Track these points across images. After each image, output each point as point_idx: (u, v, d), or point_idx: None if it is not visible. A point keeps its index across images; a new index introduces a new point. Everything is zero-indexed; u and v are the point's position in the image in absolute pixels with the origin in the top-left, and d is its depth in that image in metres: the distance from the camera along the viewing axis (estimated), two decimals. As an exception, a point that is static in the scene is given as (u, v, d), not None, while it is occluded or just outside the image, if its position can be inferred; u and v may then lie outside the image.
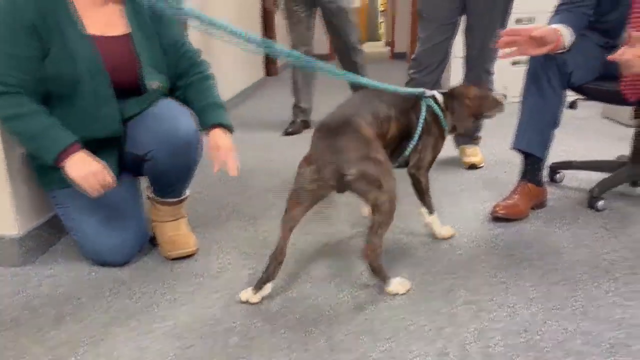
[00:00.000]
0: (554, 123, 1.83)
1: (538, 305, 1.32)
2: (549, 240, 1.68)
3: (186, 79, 1.62)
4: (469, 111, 1.64)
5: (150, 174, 1.55)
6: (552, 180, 2.24)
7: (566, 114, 1.93)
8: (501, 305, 1.32)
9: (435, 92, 1.62)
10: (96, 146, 1.49)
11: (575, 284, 1.41)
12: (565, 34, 1.70)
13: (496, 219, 1.83)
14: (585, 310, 1.29)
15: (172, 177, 1.55)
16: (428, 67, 2.39)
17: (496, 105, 1.68)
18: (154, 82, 1.53)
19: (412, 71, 2.45)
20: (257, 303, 1.36)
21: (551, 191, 2.10)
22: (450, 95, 1.64)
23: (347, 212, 1.96)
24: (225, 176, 2.45)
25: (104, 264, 1.57)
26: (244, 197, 2.16)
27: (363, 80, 1.44)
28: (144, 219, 1.64)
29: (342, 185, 1.30)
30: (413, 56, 2.46)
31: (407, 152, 1.58)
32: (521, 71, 1.96)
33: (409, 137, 1.56)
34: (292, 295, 1.40)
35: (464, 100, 1.63)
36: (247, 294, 1.37)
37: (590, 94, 1.88)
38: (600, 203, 1.90)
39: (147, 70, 1.52)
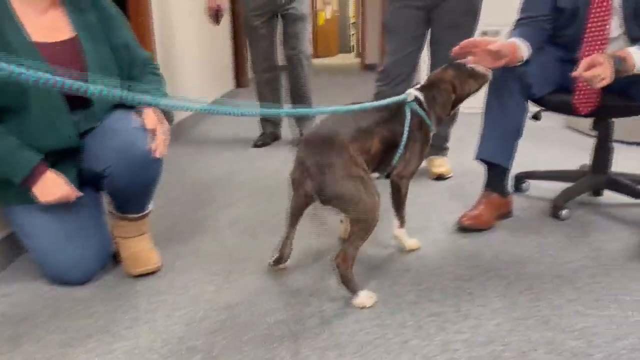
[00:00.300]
0: (517, 133, 1.86)
1: (503, 315, 1.32)
2: (514, 250, 1.70)
3: (137, 80, 1.59)
4: (447, 95, 1.61)
5: (110, 190, 1.52)
6: (518, 190, 2.28)
7: (531, 124, 1.97)
8: (467, 317, 1.32)
9: (415, 93, 1.60)
10: (54, 159, 1.45)
11: (540, 293, 1.43)
12: (522, 48, 1.74)
13: (462, 229, 1.84)
14: (549, 319, 1.30)
15: (132, 193, 1.51)
16: (396, 79, 2.42)
17: (479, 78, 1.67)
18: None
19: (380, 83, 2.47)
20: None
21: (517, 201, 2.13)
22: (429, 86, 1.63)
23: (317, 227, 1.94)
24: (192, 190, 2.41)
25: (63, 282, 1.52)
26: (210, 211, 2.13)
27: (332, 109, 1.37)
28: (106, 235, 1.60)
29: (323, 200, 1.36)
30: (381, 68, 2.48)
31: (394, 162, 1.57)
32: (485, 83, 1.98)
33: (395, 147, 1.56)
34: (258, 310, 1.38)
35: (441, 85, 1.62)
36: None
37: (548, 106, 1.92)
38: (564, 212, 1.94)
39: (94, 73, 1.49)
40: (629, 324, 1.27)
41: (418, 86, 1.65)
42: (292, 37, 3.15)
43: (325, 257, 1.68)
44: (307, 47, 3.22)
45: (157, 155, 1.47)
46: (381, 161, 1.54)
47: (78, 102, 1.47)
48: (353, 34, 14.13)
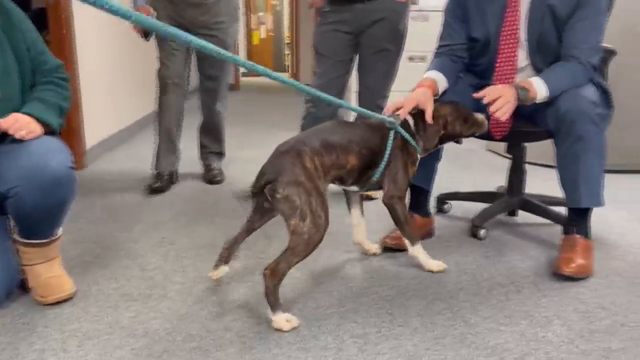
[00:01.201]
0: (437, 157, 1.94)
1: (421, 334, 1.36)
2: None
3: (37, 86, 1.53)
4: (436, 128, 1.69)
5: (14, 213, 1.42)
6: (440, 210, 2.36)
7: (454, 147, 2.05)
8: (387, 337, 1.34)
9: (407, 117, 1.67)
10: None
11: (457, 312, 1.48)
12: (440, 81, 1.86)
13: (385, 249, 1.88)
14: (464, 337, 1.35)
15: (38, 217, 1.42)
16: (324, 102, 2.45)
17: (474, 125, 1.76)
18: None
19: (308, 105, 2.50)
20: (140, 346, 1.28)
21: (438, 221, 2.20)
22: (421, 114, 1.69)
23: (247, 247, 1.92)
24: (110, 211, 2.32)
25: (-37, 312, 1.41)
26: (130, 234, 2.05)
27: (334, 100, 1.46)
28: (11, 261, 1.49)
29: (273, 202, 1.38)
30: (309, 90, 2.50)
31: (374, 179, 1.62)
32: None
33: (375, 165, 1.60)
34: (178, 337, 1.34)
35: (434, 116, 1.68)
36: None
37: (467, 131, 2.02)
38: (482, 232, 2.02)
39: None
40: (537, 340, 1.34)
41: (414, 111, 1.70)
42: (207, 68, 2.71)
43: (249, 279, 1.66)
44: (224, 90, 2.81)
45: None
46: (360, 176, 1.59)
47: None
48: (288, 54, 14.27)
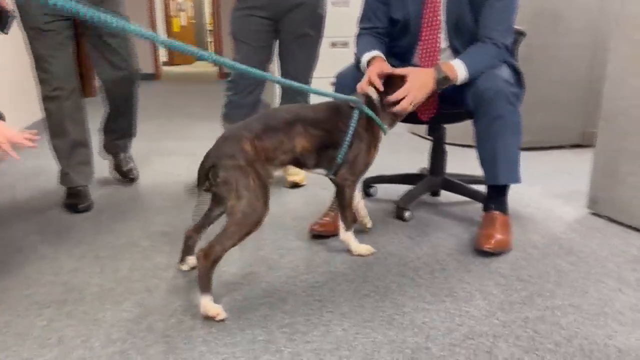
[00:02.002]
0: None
1: (350, 319, 1.36)
2: (362, 253, 1.76)
3: None
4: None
5: None
6: (367, 194, 2.39)
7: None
8: (316, 325, 1.33)
9: (369, 92, 1.65)
10: None
11: (385, 293, 1.49)
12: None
13: (314, 236, 1.87)
14: (392, 319, 1.36)
15: None
16: (245, 89, 2.39)
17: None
18: None
19: (229, 93, 2.43)
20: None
21: (366, 205, 2.22)
22: (385, 83, 1.67)
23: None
24: (24, 213, 2.16)
25: None
26: (43, 237, 1.91)
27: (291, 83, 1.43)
28: None
29: (216, 187, 1.37)
30: (229, 78, 2.44)
31: (338, 160, 1.60)
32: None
33: (336, 146, 1.58)
34: (95, 343, 1.25)
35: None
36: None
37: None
38: (407, 214, 2.06)
39: None
40: (461, 315, 1.38)
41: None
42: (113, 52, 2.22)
43: (172, 278, 1.60)
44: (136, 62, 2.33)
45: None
46: (320, 159, 1.58)
47: None
48: (211, 42, 13.92)
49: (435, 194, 2.38)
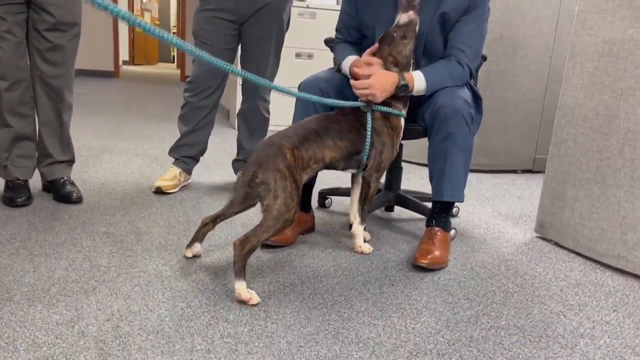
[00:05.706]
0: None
1: (295, 331, 1.32)
2: (312, 265, 1.73)
3: None
4: (404, 43, 1.72)
5: None
6: (322, 206, 2.36)
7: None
8: (260, 336, 1.29)
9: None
10: None
11: (332, 307, 1.46)
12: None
13: (265, 246, 1.83)
14: (338, 332, 1.33)
15: None
16: (205, 91, 2.35)
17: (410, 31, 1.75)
18: None
19: (188, 94, 2.38)
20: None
21: (320, 216, 2.20)
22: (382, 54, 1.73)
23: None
24: (-44, 203, 2.02)
25: None
26: (-24, 229, 1.80)
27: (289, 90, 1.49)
28: None
29: (253, 188, 1.48)
30: (189, 78, 2.39)
31: (364, 159, 1.71)
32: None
33: (360, 151, 1.69)
34: (19, 347, 1.17)
35: (394, 38, 1.70)
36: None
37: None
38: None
39: None
40: (408, 331, 1.36)
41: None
42: (43, 56, 2.03)
43: (114, 280, 1.52)
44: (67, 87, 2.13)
45: None
46: (348, 162, 1.70)
47: None
48: (175, 44, 13.72)
49: (390, 209, 2.38)
